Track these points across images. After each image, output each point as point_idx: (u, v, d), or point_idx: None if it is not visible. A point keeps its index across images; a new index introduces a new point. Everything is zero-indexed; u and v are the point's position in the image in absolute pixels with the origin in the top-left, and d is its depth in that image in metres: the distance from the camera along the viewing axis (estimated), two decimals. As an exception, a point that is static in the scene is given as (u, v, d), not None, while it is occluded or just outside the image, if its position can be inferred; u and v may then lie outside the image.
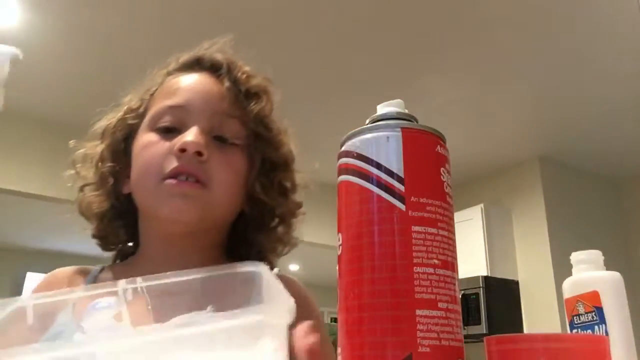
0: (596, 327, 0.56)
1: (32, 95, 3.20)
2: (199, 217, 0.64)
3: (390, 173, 0.34)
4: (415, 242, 0.33)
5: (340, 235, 0.36)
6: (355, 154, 0.36)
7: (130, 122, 0.71)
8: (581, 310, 0.58)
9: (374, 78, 3.11)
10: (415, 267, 0.33)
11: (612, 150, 4.09)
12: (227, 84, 0.70)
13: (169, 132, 0.66)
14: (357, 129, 0.37)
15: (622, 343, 0.55)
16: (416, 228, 0.33)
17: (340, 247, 0.36)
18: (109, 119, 0.73)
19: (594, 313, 0.57)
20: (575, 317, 0.59)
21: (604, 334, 0.55)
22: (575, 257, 0.61)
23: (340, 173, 0.37)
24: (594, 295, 0.57)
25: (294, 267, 6.31)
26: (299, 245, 0.77)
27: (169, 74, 0.74)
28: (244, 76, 0.72)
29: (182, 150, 0.63)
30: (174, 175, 0.63)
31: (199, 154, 0.63)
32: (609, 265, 0.60)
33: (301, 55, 2.90)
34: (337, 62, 2.98)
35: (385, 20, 2.65)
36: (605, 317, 0.56)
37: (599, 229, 4.21)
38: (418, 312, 0.32)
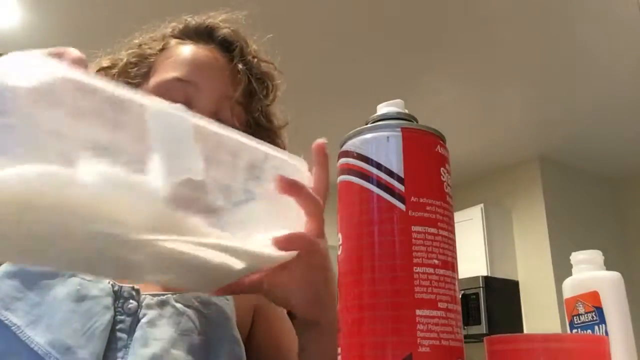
0: (596, 327, 0.56)
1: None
2: None
3: (390, 173, 0.34)
4: (415, 242, 0.33)
5: (340, 235, 0.36)
6: (355, 154, 0.36)
7: (130, 80, 0.67)
8: (581, 310, 0.58)
9: (374, 78, 3.11)
10: (415, 267, 0.33)
11: (611, 150, 4.09)
12: (240, 67, 0.67)
13: None
14: (357, 129, 0.37)
15: (622, 343, 0.55)
16: (416, 228, 0.33)
17: (340, 247, 0.36)
18: (105, 71, 0.70)
19: (594, 313, 0.57)
20: (575, 317, 0.59)
21: (604, 334, 0.55)
22: (575, 257, 0.61)
23: (340, 173, 0.37)
24: (594, 295, 0.57)
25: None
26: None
27: (174, 36, 0.70)
28: (255, 60, 0.69)
29: None
30: None
31: None
32: (608, 265, 0.60)
33: (301, 55, 2.90)
34: (337, 62, 2.98)
35: (385, 20, 2.65)
36: (605, 317, 0.56)
37: (598, 228, 4.21)
38: (418, 312, 0.32)
